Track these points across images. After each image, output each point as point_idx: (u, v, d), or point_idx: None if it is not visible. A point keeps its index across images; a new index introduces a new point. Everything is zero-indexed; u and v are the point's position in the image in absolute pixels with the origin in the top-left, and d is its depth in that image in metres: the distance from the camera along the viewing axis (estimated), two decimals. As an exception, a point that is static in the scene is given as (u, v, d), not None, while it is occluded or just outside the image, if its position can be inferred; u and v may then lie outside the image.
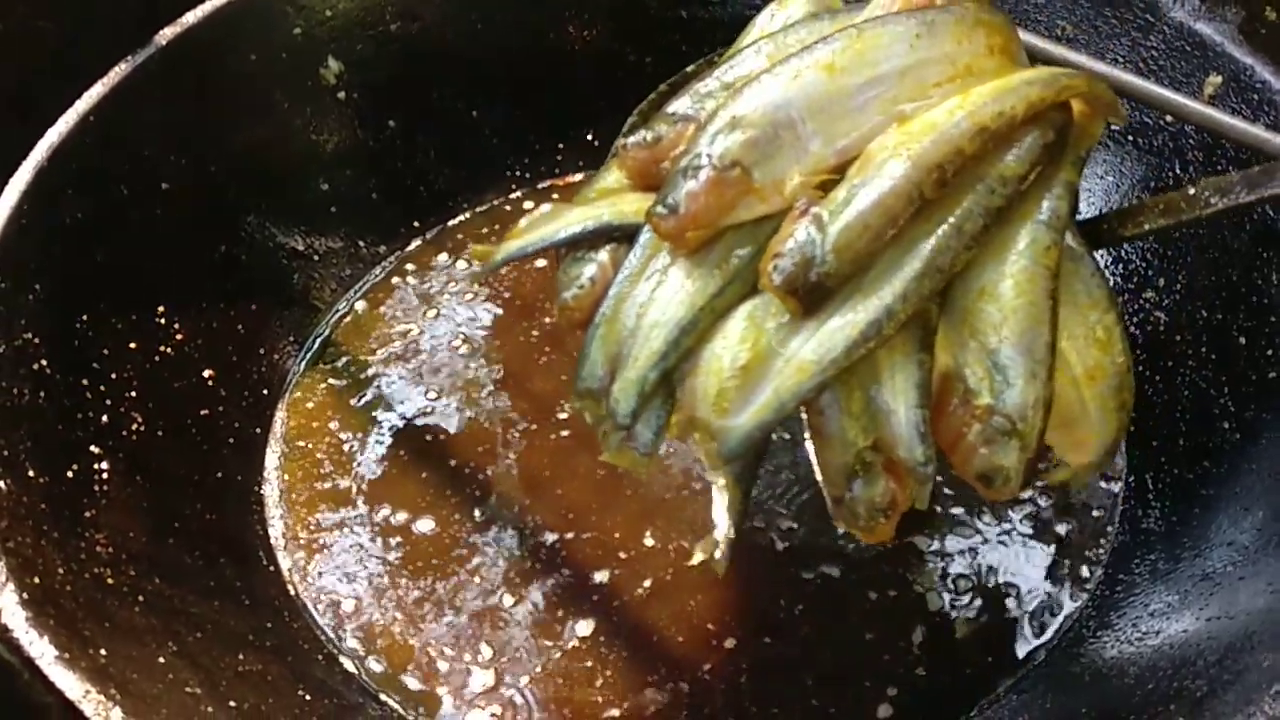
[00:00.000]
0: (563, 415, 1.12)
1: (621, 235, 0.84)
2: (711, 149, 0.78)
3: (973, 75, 0.80)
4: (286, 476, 1.09)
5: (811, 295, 0.75)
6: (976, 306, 0.77)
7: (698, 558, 0.85)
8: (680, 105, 0.85)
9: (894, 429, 0.77)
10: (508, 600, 1.01)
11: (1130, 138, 1.10)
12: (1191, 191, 0.85)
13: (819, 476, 0.80)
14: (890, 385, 0.77)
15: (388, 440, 1.12)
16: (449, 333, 1.20)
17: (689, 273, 0.79)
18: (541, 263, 1.23)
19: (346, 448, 1.11)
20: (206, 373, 1.10)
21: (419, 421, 1.13)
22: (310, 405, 1.15)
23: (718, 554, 0.83)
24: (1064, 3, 1.13)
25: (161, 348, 1.07)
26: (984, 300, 0.77)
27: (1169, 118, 1.06)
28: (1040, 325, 0.76)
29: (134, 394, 1.02)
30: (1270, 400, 0.98)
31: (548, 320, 1.20)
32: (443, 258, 1.26)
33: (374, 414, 1.14)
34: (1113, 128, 1.10)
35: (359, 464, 1.10)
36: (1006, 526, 1.04)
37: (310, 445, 1.11)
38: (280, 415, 1.14)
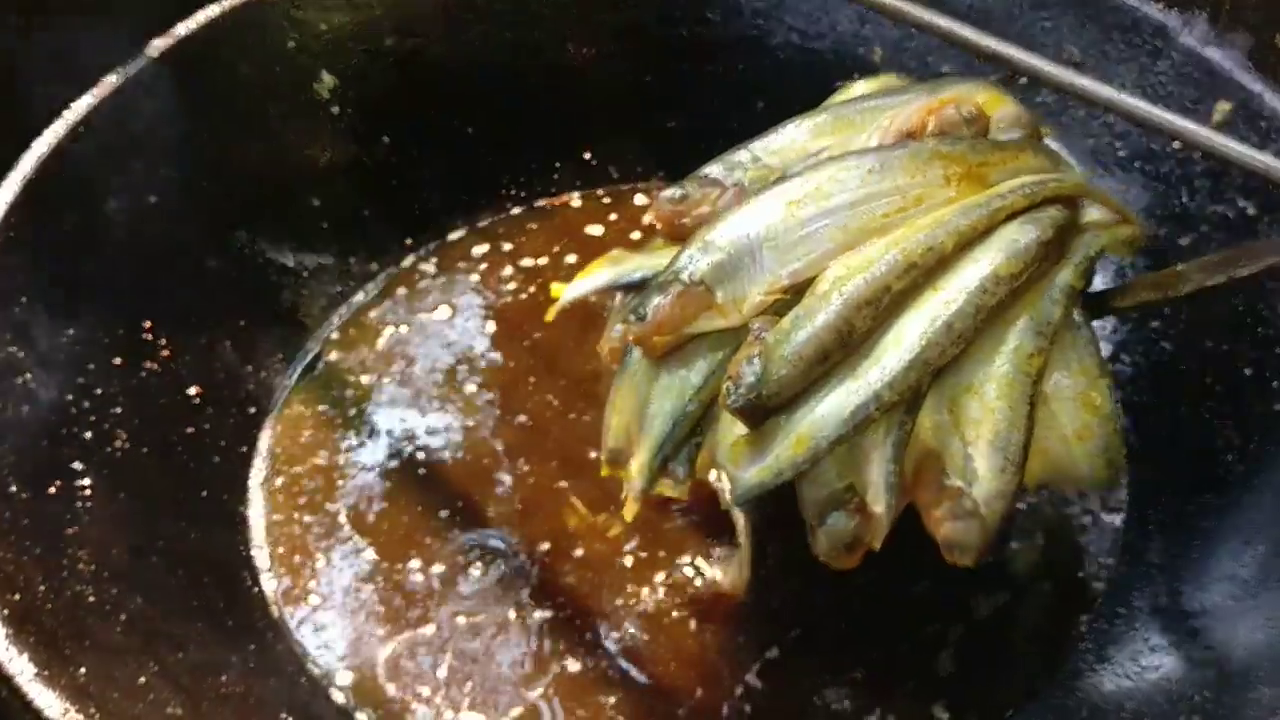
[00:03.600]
0: (558, 437, 1.11)
1: None
2: (684, 267, 0.88)
3: (921, 205, 0.88)
4: (273, 496, 1.08)
5: (754, 416, 0.84)
6: (963, 400, 0.86)
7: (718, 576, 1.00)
8: (712, 169, 0.96)
9: (867, 476, 0.86)
10: (505, 624, 1.00)
11: (1137, 165, 1.10)
12: (1179, 268, 0.92)
13: (800, 503, 0.87)
14: (873, 437, 0.85)
15: (377, 461, 1.10)
16: (440, 352, 1.18)
17: (679, 364, 0.90)
18: (533, 288, 1.24)
19: (335, 468, 1.10)
20: (192, 390, 1.08)
21: (410, 442, 1.12)
22: (298, 424, 1.13)
23: (736, 574, 0.99)
24: (1072, 27, 1.13)
25: (147, 363, 1.05)
26: (969, 395, 0.86)
27: (1176, 144, 1.06)
28: (1015, 428, 0.85)
29: (119, 410, 1.01)
30: (1275, 432, 0.97)
31: (538, 337, 1.19)
32: (435, 276, 1.25)
33: (363, 434, 1.12)
34: (1122, 156, 1.12)
35: (347, 485, 1.09)
36: (1004, 562, 1.03)
37: (298, 465, 1.10)
38: (267, 434, 1.12)
